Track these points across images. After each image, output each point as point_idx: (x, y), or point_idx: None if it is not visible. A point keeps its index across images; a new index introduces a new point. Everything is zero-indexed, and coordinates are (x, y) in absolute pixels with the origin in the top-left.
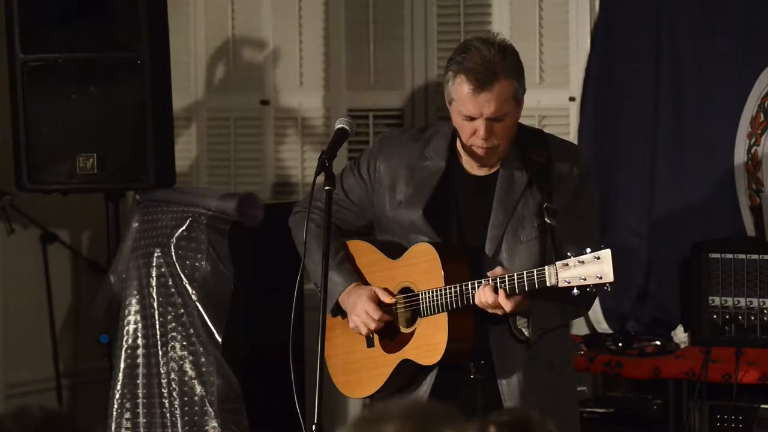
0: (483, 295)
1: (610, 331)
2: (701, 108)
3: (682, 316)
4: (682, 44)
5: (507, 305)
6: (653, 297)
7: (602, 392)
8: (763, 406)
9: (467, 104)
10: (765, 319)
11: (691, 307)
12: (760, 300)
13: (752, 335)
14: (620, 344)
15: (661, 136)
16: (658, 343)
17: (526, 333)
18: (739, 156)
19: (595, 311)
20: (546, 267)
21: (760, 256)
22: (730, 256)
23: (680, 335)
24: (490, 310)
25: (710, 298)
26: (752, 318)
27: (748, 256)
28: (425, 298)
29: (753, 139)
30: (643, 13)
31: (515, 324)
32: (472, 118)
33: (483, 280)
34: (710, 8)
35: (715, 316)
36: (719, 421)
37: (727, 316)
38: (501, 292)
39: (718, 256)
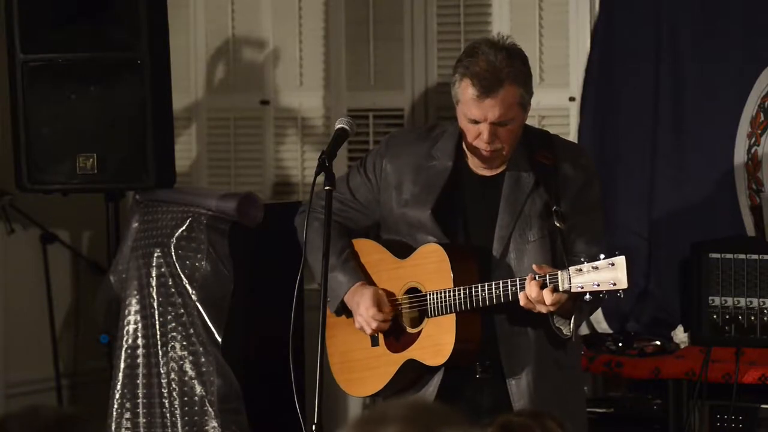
0: (529, 290)
1: (610, 331)
2: (701, 108)
3: (682, 316)
4: (682, 44)
5: (548, 299)
6: (653, 297)
7: (602, 392)
8: (763, 406)
9: (472, 108)
10: (765, 319)
11: (691, 307)
12: (760, 300)
13: (752, 335)
14: (620, 344)
15: (661, 136)
16: (658, 343)
17: (564, 331)
18: (739, 156)
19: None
20: (558, 272)
21: (760, 256)
22: (730, 256)
23: (680, 335)
24: (533, 307)
25: (710, 298)
26: (752, 318)
27: (748, 256)
28: (433, 299)
29: (753, 139)
30: (643, 13)
31: (553, 323)
32: (476, 122)
33: (501, 281)
34: (710, 8)
35: (715, 316)
36: (719, 421)
37: (727, 316)
38: (536, 287)
39: (718, 256)
